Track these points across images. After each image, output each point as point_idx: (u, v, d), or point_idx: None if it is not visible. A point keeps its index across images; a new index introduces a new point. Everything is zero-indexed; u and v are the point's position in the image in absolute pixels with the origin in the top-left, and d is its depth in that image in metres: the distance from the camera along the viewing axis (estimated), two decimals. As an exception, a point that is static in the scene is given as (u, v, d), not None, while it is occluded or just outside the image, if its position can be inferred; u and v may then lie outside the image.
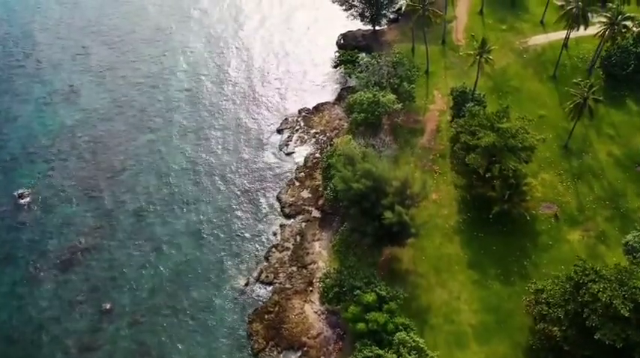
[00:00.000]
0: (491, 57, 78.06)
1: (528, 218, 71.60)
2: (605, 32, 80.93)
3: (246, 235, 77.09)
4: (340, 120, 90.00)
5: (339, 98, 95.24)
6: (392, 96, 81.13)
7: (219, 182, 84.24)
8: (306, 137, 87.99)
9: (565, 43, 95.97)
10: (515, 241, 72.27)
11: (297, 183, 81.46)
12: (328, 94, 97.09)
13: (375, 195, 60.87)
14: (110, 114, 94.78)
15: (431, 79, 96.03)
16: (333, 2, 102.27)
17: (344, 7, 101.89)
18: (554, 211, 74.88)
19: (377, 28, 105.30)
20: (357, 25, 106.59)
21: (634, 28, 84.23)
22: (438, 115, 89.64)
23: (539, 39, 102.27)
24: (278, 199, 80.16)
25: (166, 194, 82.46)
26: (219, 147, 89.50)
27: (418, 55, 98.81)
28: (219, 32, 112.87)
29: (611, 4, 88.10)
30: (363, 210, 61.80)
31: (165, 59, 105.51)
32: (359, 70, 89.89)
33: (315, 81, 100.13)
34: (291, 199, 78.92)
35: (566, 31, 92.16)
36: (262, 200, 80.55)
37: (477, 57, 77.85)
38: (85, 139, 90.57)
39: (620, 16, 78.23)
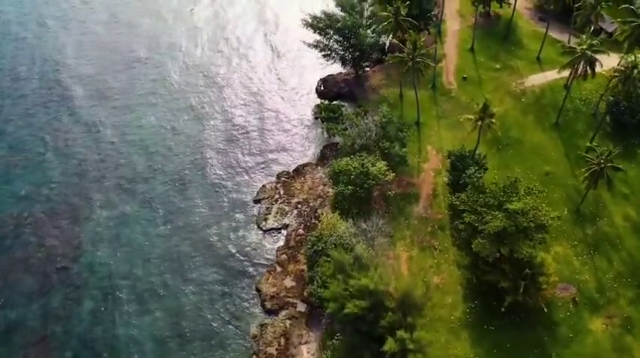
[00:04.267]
0: (494, 120, 68.78)
1: (545, 310, 62.64)
2: (617, 84, 72.24)
3: (221, 341, 65.50)
4: (324, 185, 79.89)
5: (322, 157, 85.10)
6: (382, 165, 71.42)
7: (187, 274, 72.28)
8: (287, 209, 77.65)
9: (566, 84, 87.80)
10: (532, 334, 63.10)
11: (279, 268, 71.12)
12: (309, 153, 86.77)
13: (374, 313, 51.22)
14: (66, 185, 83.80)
15: (423, 132, 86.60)
16: (310, 47, 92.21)
17: (323, 53, 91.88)
18: (572, 294, 66.05)
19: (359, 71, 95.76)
20: (338, 67, 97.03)
21: None
22: (434, 176, 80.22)
23: (537, 79, 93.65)
24: (257, 290, 69.67)
25: (129, 292, 71.19)
26: (186, 227, 77.28)
27: (407, 102, 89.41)
28: (184, 79, 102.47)
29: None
30: (359, 330, 52.07)
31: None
32: (343, 127, 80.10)
33: (294, 137, 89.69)
34: (272, 290, 68.58)
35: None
36: (239, 292, 69.53)
37: (478, 122, 68.36)
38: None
39: (635, 70, 69.40)
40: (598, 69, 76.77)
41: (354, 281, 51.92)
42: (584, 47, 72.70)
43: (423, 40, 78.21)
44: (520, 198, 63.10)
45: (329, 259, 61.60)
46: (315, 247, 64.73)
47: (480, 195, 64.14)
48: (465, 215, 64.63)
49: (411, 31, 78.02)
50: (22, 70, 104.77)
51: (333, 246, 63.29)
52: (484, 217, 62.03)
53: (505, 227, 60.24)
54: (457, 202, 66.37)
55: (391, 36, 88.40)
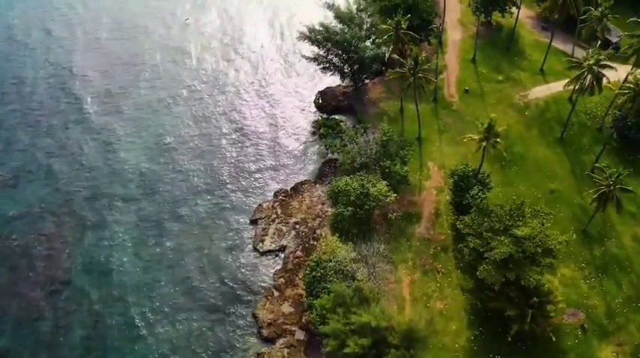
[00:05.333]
0: (499, 140, 66.33)
1: (553, 338, 60.21)
2: (626, 102, 69.78)
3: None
4: (323, 204, 77.42)
5: (321, 174, 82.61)
6: (383, 185, 68.90)
7: (181, 299, 69.45)
8: (284, 229, 75.12)
9: (571, 97, 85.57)
10: (540, 364, 61.00)
11: (276, 293, 68.61)
12: (308, 170, 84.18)
13: (376, 351, 48.78)
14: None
15: (424, 147, 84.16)
16: (309, 62, 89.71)
17: (321, 66, 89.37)
18: (581, 320, 63.66)
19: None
20: (337, 79, 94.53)
21: None
22: (436, 194, 77.76)
23: (541, 91, 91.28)
24: (254, 316, 67.15)
25: (120, 318, 68.50)
26: (180, 250, 74.46)
27: (407, 116, 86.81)
28: (182, 94, 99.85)
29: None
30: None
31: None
32: (342, 143, 77.63)
33: (292, 153, 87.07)
34: (269, 317, 66.04)
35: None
36: (235, 319, 66.81)
37: (482, 143, 65.86)
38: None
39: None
40: (604, 81, 74.63)
41: (356, 318, 49.52)
42: (591, 62, 70.35)
43: (424, 55, 75.74)
44: (526, 222, 60.78)
45: (328, 286, 59.32)
46: (314, 273, 62.20)
47: (485, 219, 61.70)
48: (469, 239, 62.24)
49: (412, 46, 75.48)
50: (7, 86, 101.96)
51: (332, 272, 60.94)
52: (489, 243, 59.66)
53: (512, 253, 57.97)
54: (461, 226, 63.91)
55: (391, 48, 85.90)
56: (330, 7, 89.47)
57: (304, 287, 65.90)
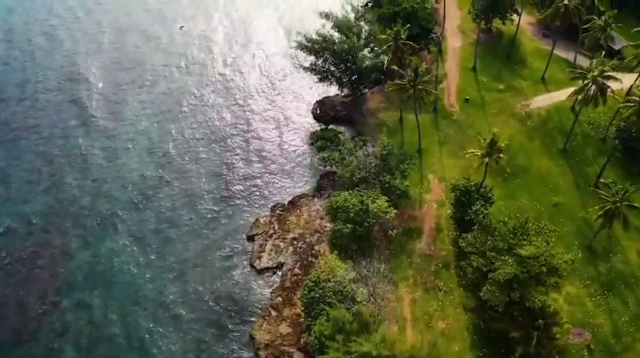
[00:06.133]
0: (502, 155, 64.59)
1: (559, 360, 58.68)
2: (632, 115, 68.07)
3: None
4: (321, 219, 75.57)
5: (319, 188, 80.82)
6: (383, 201, 67.10)
7: (175, 318, 67.55)
8: (282, 245, 73.33)
9: (573, 106, 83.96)
10: (546, 388, 59.24)
11: (274, 313, 66.75)
12: (305, 183, 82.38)
13: (377, 381, 47.26)
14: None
15: (424, 159, 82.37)
16: (306, 71, 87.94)
17: (319, 76, 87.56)
18: (587, 340, 61.98)
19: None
20: (334, 88, 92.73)
21: None
22: (436, 208, 75.98)
23: (543, 100, 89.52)
24: (251, 337, 65.24)
25: (113, 339, 66.44)
26: (175, 267, 72.58)
27: (407, 126, 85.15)
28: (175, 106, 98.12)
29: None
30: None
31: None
32: (341, 156, 75.84)
33: (290, 165, 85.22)
34: (266, 338, 64.15)
35: (572, 90, 79.91)
36: (231, 340, 64.85)
37: (485, 159, 64.10)
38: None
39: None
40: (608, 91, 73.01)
41: (356, 347, 47.77)
42: (595, 74, 68.72)
43: (424, 66, 73.98)
44: (531, 240, 59.08)
45: (327, 308, 57.53)
46: (313, 293, 60.41)
47: (489, 237, 59.96)
48: (472, 258, 60.56)
49: (411, 57, 73.70)
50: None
51: (331, 293, 59.16)
52: (493, 262, 57.97)
53: (516, 274, 56.26)
54: (464, 244, 62.16)
55: (390, 57, 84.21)
56: (328, 16, 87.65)
57: (302, 307, 64.18)
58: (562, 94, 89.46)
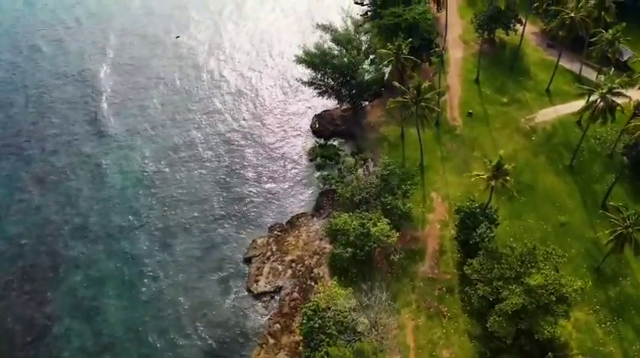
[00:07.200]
0: (509, 177, 62.12)
1: (570, 393, 56.27)
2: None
3: None
4: (321, 240, 72.96)
5: (318, 207, 78.06)
6: (385, 224, 64.62)
7: (169, 346, 64.64)
8: (280, 268, 70.76)
9: (579, 120, 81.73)
10: (555, 421, 56.84)
11: (272, 340, 64.24)
12: (304, 202, 79.50)
13: None
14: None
15: (426, 176, 79.84)
16: (305, 85, 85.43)
17: (318, 90, 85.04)
18: (598, 371, 59.93)
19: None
20: (334, 102, 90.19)
21: None
22: (440, 228, 73.52)
23: (548, 114, 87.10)
24: (248, 368, 63.03)
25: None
26: (169, 291, 69.90)
27: (408, 141, 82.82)
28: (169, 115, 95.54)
29: None
30: None
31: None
32: (340, 175, 73.31)
33: (288, 183, 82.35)
34: (264, 368, 61.96)
35: (578, 103, 77.62)
36: (227, 371, 63.10)
37: (491, 181, 61.65)
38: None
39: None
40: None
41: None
42: (604, 91, 66.34)
43: (427, 83, 71.47)
44: (539, 267, 56.71)
45: (326, 339, 55.13)
46: (312, 323, 57.93)
47: (495, 265, 57.58)
48: (478, 286, 58.16)
49: (412, 73, 71.25)
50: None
51: (331, 323, 56.70)
52: (500, 291, 55.59)
53: (524, 304, 53.91)
54: (469, 271, 59.70)
55: (390, 69, 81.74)
56: (327, 29, 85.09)
57: (301, 337, 61.65)
58: (567, 108, 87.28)
